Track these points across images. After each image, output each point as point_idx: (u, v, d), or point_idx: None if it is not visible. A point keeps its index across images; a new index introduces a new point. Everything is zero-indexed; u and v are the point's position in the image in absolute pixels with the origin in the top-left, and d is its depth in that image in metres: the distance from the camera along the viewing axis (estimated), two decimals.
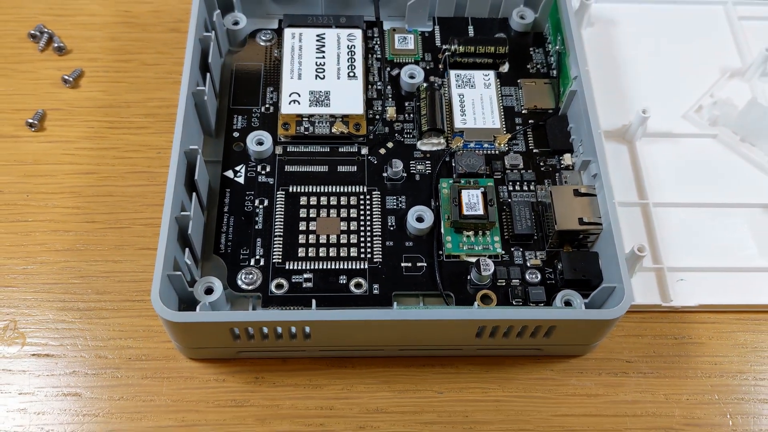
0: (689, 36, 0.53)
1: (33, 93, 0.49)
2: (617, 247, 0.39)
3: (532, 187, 0.44)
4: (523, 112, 0.47)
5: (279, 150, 0.45)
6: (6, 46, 0.51)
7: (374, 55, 0.49)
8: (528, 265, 0.42)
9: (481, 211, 0.41)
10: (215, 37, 0.47)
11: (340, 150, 0.45)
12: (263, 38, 0.50)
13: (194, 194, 0.41)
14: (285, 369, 0.40)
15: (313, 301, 0.38)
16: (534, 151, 0.46)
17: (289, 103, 0.45)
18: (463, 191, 0.42)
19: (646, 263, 0.43)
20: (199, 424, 0.39)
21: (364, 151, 0.45)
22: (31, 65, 0.50)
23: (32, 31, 0.51)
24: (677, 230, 0.45)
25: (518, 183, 0.45)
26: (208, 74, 0.45)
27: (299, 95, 0.46)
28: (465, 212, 0.41)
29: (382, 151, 0.45)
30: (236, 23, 0.49)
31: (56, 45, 0.50)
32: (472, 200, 0.42)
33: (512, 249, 0.42)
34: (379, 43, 0.50)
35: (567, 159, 0.45)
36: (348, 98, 0.46)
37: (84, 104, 0.49)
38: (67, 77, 0.49)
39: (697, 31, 0.54)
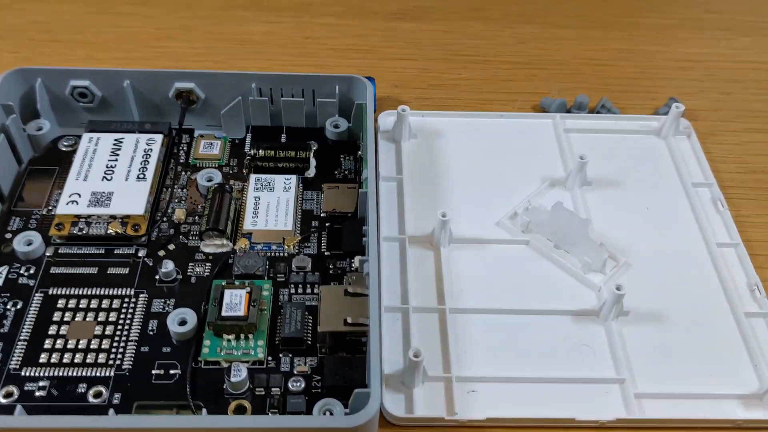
0: (516, 148, 0.52)
1: None
2: (372, 348, 0.35)
3: (316, 290, 0.41)
4: (321, 215, 0.45)
5: (50, 251, 0.43)
6: None
7: (178, 160, 0.48)
8: (295, 372, 0.38)
9: (241, 312, 0.38)
10: (6, 138, 0.46)
11: (115, 252, 0.43)
12: (65, 144, 0.49)
13: None
14: None
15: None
16: (326, 253, 0.43)
17: (67, 204, 0.43)
18: (226, 291, 0.39)
19: (434, 372, 0.40)
20: None
21: (142, 252, 0.43)
22: None
23: None
24: (476, 338, 0.42)
25: (300, 285, 0.42)
26: None
27: (79, 196, 0.44)
28: (224, 313, 0.38)
29: (162, 253, 0.43)
30: (40, 129, 0.48)
31: None
32: (234, 300, 0.39)
33: (280, 355, 0.39)
34: (184, 149, 0.49)
35: (357, 261, 0.43)
36: (131, 199, 0.44)
37: None
38: None
39: (525, 144, 0.53)
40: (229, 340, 0.38)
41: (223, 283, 0.40)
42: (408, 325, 0.42)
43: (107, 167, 0.46)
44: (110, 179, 0.45)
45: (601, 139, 0.53)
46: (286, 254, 0.43)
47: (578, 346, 0.42)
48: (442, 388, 0.40)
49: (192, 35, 0.61)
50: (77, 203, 0.43)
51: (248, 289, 0.39)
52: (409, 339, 0.41)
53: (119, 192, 0.44)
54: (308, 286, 0.42)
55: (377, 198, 0.46)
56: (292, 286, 0.42)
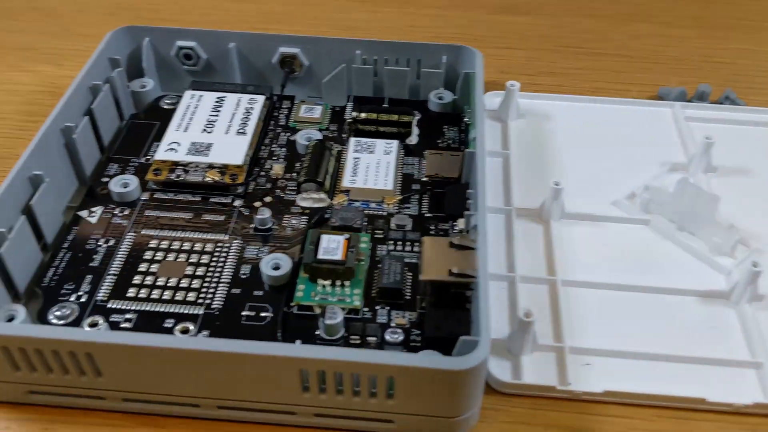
0: (633, 135, 0.49)
1: None
2: (481, 297, 0.32)
3: (416, 248, 0.39)
4: (423, 179, 0.43)
5: (146, 196, 0.41)
6: None
7: (277, 122, 0.47)
8: (392, 324, 0.35)
9: (339, 256, 0.36)
10: (111, 91, 0.45)
11: (211, 200, 0.41)
12: (167, 102, 0.48)
13: (24, 219, 0.37)
14: (83, 421, 0.33)
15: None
16: (426, 215, 0.41)
17: (166, 151, 0.42)
18: (323, 236, 0.37)
19: (544, 340, 0.36)
20: None
21: (238, 203, 0.41)
22: None
23: None
24: (591, 312, 0.38)
25: (400, 242, 0.39)
26: (86, 117, 0.43)
27: (179, 144, 0.43)
28: (320, 255, 0.36)
29: (258, 204, 0.41)
30: (143, 87, 0.48)
31: None
32: (332, 245, 0.36)
33: (377, 307, 0.36)
34: (285, 113, 0.48)
35: (461, 223, 0.40)
36: (230, 150, 0.43)
37: None
38: None
39: (641, 131, 0.49)
40: (324, 286, 0.36)
41: (320, 230, 0.38)
42: (514, 294, 0.38)
43: (207, 121, 0.45)
44: (210, 132, 0.44)
45: (726, 130, 0.49)
46: (384, 213, 0.41)
47: (704, 326, 0.37)
48: (552, 359, 0.36)
49: (295, 20, 0.60)
50: (176, 151, 0.42)
51: (347, 236, 0.37)
52: (515, 307, 0.38)
53: (218, 143, 0.43)
54: (408, 243, 0.39)
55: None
56: (391, 242, 0.39)
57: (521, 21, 0.61)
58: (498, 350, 0.36)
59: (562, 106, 0.51)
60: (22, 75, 0.54)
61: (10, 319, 0.34)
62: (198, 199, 0.41)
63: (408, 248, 0.39)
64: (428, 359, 0.30)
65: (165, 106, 0.48)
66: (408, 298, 0.36)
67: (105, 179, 0.42)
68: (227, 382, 0.31)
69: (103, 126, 0.44)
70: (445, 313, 0.34)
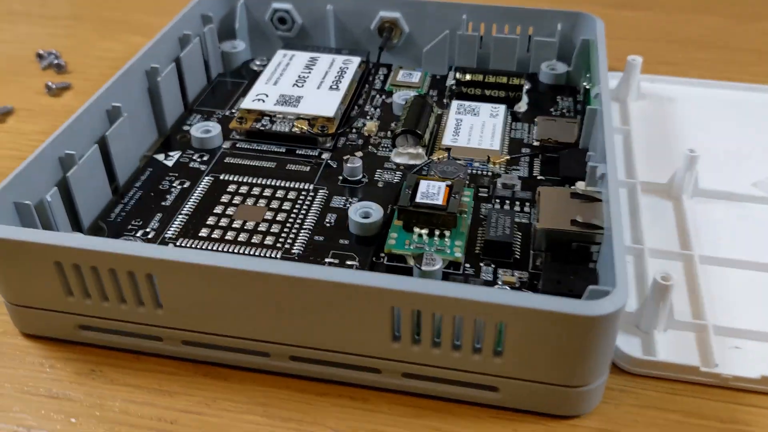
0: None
1: (12, 94, 0.46)
2: (615, 243, 0.26)
3: (526, 208, 0.33)
4: (534, 143, 0.38)
5: (227, 145, 0.38)
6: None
7: (372, 86, 0.43)
8: (499, 282, 0.30)
9: (440, 201, 0.31)
10: (201, 45, 0.43)
11: (297, 153, 0.37)
12: (257, 63, 0.45)
13: (96, 147, 0.34)
14: (134, 366, 0.29)
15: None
16: (538, 177, 0.36)
17: (253, 101, 0.39)
18: (422, 181, 0.32)
19: (682, 316, 0.30)
20: None
21: (327, 156, 0.37)
22: (26, 76, 0.49)
23: (40, 52, 0.50)
24: (736, 292, 0.32)
25: (508, 201, 0.34)
26: (173, 64, 0.40)
27: (267, 95, 0.39)
28: (418, 199, 0.31)
29: (347, 157, 0.37)
30: (234, 47, 0.45)
31: (56, 62, 0.49)
32: (432, 190, 0.32)
33: (482, 264, 0.31)
34: (381, 78, 0.44)
35: (580, 185, 0.34)
36: (321, 103, 0.39)
37: (56, 110, 0.45)
38: (51, 84, 0.46)
39: None
40: (420, 235, 0.31)
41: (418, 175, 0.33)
42: (642, 268, 0.32)
43: (299, 77, 0.41)
44: (301, 86, 0.40)
45: None
46: (489, 173, 0.36)
47: None
48: (692, 338, 0.30)
49: None
50: (263, 101, 0.39)
51: (449, 182, 0.32)
52: (643, 282, 0.32)
53: (309, 97, 0.39)
54: (517, 202, 0.34)
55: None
56: (497, 201, 0.34)
57: (633, 15, 0.57)
58: (625, 326, 0.30)
59: (687, 90, 0.46)
60: (112, 43, 0.53)
61: None
62: (283, 150, 0.37)
63: (517, 209, 0.33)
64: (552, 301, 0.24)
65: (255, 68, 0.45)
66: (517, 257, 0.31)
67: (186, 128, 0.39)
68: (305, 323, 0.27)
69: (189, 78, 0.42)
70: (566, 268, 0.29)
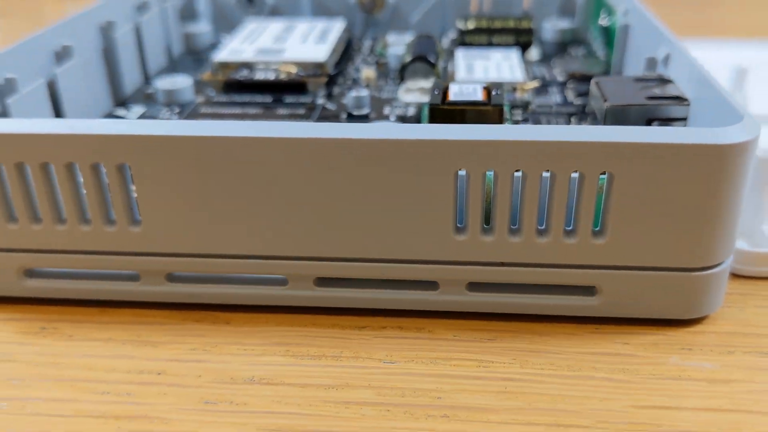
0: None
1: None
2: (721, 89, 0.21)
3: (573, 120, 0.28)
4: (559, 79, 0.33)
5: (201, 99, 0.32)
6: None
7: (360, 48, 0.38)
8: None
9: (479, 97, 0.25)
10: (161, 17, 0.37)
11: (285, 101, 0.31)
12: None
13: (44, 83, 0.27)
14: (99, 320, 0.21)
15: None
16: (575, 102, 0.30)
17: (229, 54, 0.33)
18: (452, 83, 0.27)
19: None
20: None
21: (322, 101, 0.31)
22: None
23: None
24: None
25: (545, 118, 0.29)
26: (132, 25, 0.34)
27: (244, 50, 0.34)
28: (452, 98, 0.25)
29: (347, 101, 0.31)
30: (198, 29, 0.40)
31: None
32: (467, 90, 0.26)
33: None
34: (368, 46, 0.39)
35: None
36: (309, 50, 0.33)
37: None
38: None
39: None
40: None
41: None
42: None
43: (278, 36, 0.36)
44: (284, 42, 0.35)
45: None
46: (519, 103, 0.31)
47: None
48: None
49: None
50: (241, 53, 0.33)
51: (484, 84, 0.27)
52: None
53: (294, 48, 0.34)
54: (555, 117, 0.28)
55: None
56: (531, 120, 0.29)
57: None
58: None
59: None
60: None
61: None
62: (269, 100, 0.32)
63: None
64: (671, 132, 0.18)
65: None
66: None
67: (149, 91, 0.33)
68: (336, 222, 0.20)
69: (149, 49, 0.36)
70: None
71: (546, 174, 0.19)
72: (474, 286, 0.21)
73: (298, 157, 0.19)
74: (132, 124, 0.20)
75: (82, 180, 0.20)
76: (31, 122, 0.20)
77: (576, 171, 0.19)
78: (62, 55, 0.29)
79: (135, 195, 0.20)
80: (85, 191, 0.20)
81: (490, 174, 0.19)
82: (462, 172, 0.19)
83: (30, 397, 0.19)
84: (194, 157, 0.19)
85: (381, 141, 0.19)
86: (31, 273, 0.22)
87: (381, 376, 0.19)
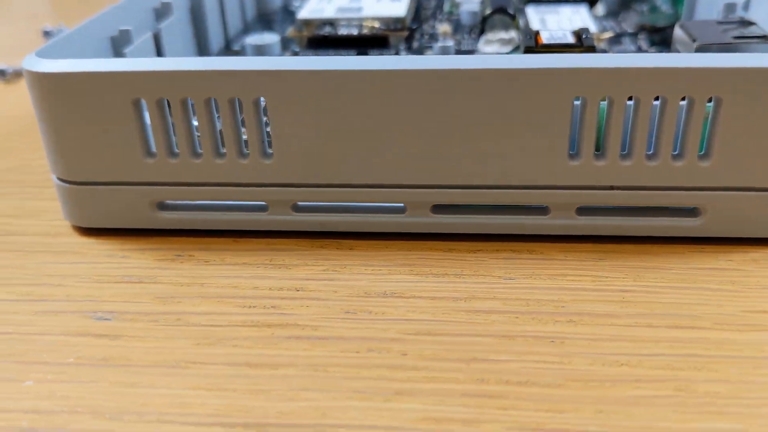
0: None
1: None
2: None
3: None
4: (628, 31, 0.34)
5: (288, 54, 0.33)
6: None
7: (434, 13, 0.40)
8: None
9: (571, 40, 0.27)
10: None
11: (370, 54, 0.33)
12: (296, 4, 0.41)
13: (151, 36, 0.29)
14: (232, 248, 0.23)
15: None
16: (651, 51, 0.32)
17: (311, 12, 0.35)
18: (542, 31, 0.28)
19: None
20: (53, 299, 0.21)
21: (404, 55, 0.33)
22: None
23: (47, 28, 0.45)
24: None
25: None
26: None
27: (324, 9, 0.35)
28: (544, 41, 0.27)
29: (431, 53, 0.32)
30: None
31: None
32: (557, 35, 0.27)
33: None
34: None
35: None
36: (387, 7, 0.35)
37: None
38: (50, 29, 0.41)
39: None
40: None
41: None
42: None
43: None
44: (359, 2, 0.36)
45: None
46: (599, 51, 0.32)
47: None
48: None
49: None
50: (323, 11, 0.35)
51: (573, 30, 0.28)
52: None
53: (372, 5, 0.35)
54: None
55: None
56: None
57: None
58: None
59: None
60: None
61: None
62: (353, 54, 0.33)
63: None
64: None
65: (293, 10, 0.41)
66: None
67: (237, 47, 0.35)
68: (453, 150, 0.21)
69: (229, 11, 0.37)
70: None
71: (656, 103, 0.21)
72: (583, 210, 0.22)
73: (415, 89, 0.21)
74: (268, 60, 0.21)
75: (218, 115, 0.22)
76: (173, 60, 0.21)
77: (685, 97, 0.20)
78: (161, 11, 0.31)
79: (267, 129, 0.22)
80: (221, 126, 0.22)
81: (602, 103, 0.21)
82: (576, 102, 0.21)
83: (182, 311, 0.20)
84: (322, 91, 0.21)
85: (500, 70, 0.20)
86: (164, 206, 0.23)
87: (504, 289, 0.21)
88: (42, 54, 0.23)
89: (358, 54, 0.33)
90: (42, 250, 0.23)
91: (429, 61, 0.21)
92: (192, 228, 0.23)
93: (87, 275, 0.22)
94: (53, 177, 0.24)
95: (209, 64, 0.21)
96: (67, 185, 0.23)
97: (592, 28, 0.33)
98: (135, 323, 0.20)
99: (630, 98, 0.21)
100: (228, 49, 0.35)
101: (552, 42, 0.27)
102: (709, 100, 0.21)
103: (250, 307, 0.20)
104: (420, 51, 0.33)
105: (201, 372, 0.18)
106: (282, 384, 0.17)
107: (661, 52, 0.31)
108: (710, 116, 0.21)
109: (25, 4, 0.58)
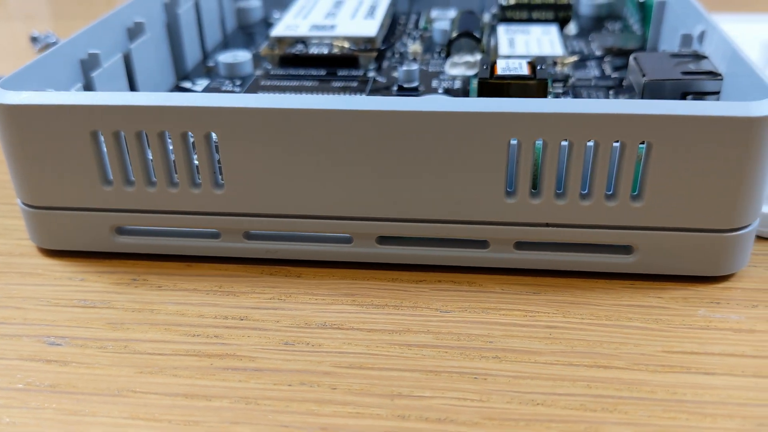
0: None
1: None
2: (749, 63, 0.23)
3: (610, 95, 0.30)
4: (596, 54, 0.35)
5: (260, 72, 0.34)
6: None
7: (406, 24, 0.40)
8: None
9: (525, 71, 0.27)
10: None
11: (339, 74, 0.34)
12: (275, 17, 0.42)
13: (121, 57, 0.29)
14: (185, 273, 0.24)
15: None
16: (613, 76, 0.32)
17: (285, 29, 0.36)
18: (498, 59, 0.29)
19: None
20: (12, 322, 0.22)
21: (373, 75, 0.33)
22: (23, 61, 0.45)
23: (34, 34, 0.46)
24: None
25: (586, 91, 0.30)
26: (192, 2, 0.36)
27: (298, 26, 0.36)
28: (499, 72, 0.27)
29: (397, 74, 0.33)
30: (249, 5, 0.42)
31: (52, 41, 0.45)
32: (512, 65, 0.28)
33: None
34: (413, 21, 0.41)
35: None
36: (359, 26, 0.35)
37: None
38: (37, 35, 0.42)
39: None
40: None
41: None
42: None
43: (329, 12, 0.38)
44: (334, 17, 0.37)
45: None
46: (560, 77, 0.32)
47: None
48: None
49: None
50: (296, 29, 0.36)
51: (529, 59, 0.28)
52: None
53: (344, 24, 0.36)
54: (596, 90, 0.30)
55: None
56: (572, 92, 0.30)
57: None
58: None
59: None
60: None
61: None
62: (323, 73, 0.34)
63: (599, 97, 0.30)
64: (706, 106, 0.20)
65: (273, 23, 0.42)
66: None
67: (210, 64, 0.35)
68: (398, 185, 0.22)
69: (206, 24, 0.38)
70: None
71: (590, 144, 0.21)
72: (521, 245, 0.23)
73: (362, 128, 0.21)
74: (218, 97, 0.22)
75: (171, 147, 0.23)
76: (129, 95, 0.22)
77: (617, 140, 0.21)
78: (135, 31, 0.32)
79: (220, 159, 0.23)
80: (174, 157, 0.23)
81: (538, 143, 0.21)
82: (513, 141, 0.22)
83: (130, 338, 0.21)
84: (270, 128, 0.22)
85: (441, 114, 0.21)
86: (121, 230, 0.24)
87: (438, 323, 0.21)
88: (6, 85, 0.23)
89: (327, 73, 0.34)
90: (7, 270, 0.24)
91: (371, 103, 0.22)
92: (148, 252, 0.24)
93: (46, 298, 0.23)
94: (18, 201, 0.25)
95: (162, 100, 0.22)
96: (31, 209, 0.24)
97: (560, 50, 0.34)
98: (85, 349, 0.21)
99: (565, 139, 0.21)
100: (204, 65, 0.36)
101: (506, 73, 0.27)
102: (642, 142, 0.21)
103: (194, 335, 0.21)
104: (388, 71, 0.34)
105: (140, 401, 0.19)
106: (214, 416, 0.18)
107: (621, 78, 0.32)
108: (642, 159, 0.21)
109: (22, 4, 0.59)
